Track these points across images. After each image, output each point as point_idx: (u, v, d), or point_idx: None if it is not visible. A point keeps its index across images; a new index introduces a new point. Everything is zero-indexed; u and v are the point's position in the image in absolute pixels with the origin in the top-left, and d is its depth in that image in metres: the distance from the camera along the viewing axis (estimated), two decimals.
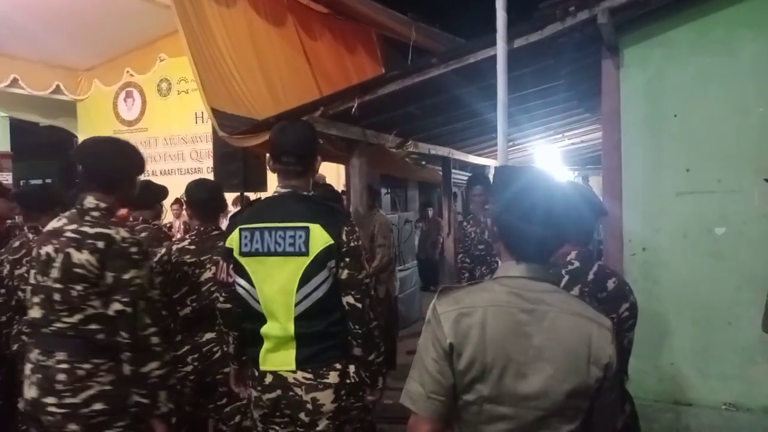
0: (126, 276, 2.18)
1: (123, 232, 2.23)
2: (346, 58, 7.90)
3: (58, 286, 2.15)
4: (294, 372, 2.30)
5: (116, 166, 2.32)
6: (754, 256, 3.49)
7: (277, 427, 2.37)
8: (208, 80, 5.16)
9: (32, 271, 2.26)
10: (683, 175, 3.74)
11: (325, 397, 2.30)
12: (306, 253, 2.26)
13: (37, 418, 2.16)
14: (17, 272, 3.18)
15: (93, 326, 2.16)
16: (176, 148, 9.47)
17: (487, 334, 1.40)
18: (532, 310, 1.43)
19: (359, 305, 2.31)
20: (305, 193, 2.40)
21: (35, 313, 2.21)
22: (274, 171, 2.42)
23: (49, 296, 2.16)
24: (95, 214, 2.25)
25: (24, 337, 2.68)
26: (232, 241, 2.34)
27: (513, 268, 1.49)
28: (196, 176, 8.32)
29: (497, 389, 1.40)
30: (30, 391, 2.16)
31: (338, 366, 2.32)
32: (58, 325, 2.16)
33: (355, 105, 4.42)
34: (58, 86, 9.08)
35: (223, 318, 2.47)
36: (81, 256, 2.15)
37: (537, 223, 1.45)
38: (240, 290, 2.35)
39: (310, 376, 2.30)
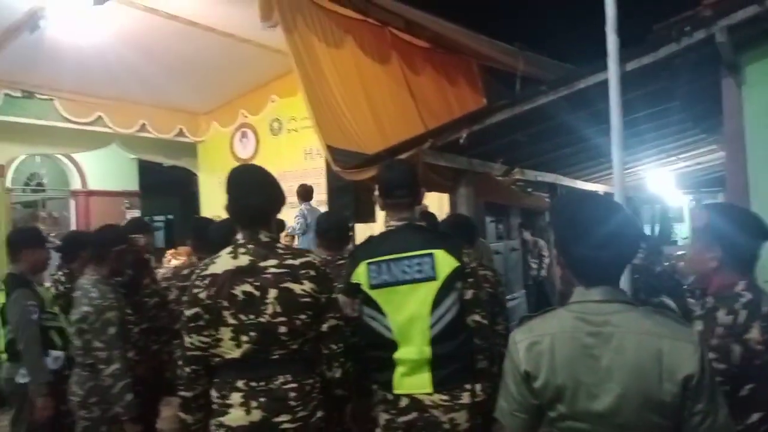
0: (334, 295, 2.40)
1: (315, 257, 2.44)
2: (448, 90, 8.06)
3: (281, 319, 2.24)
4: (431, 394, 2.40)
5: (278, 199, 2.42)
6: None
7: None
8: (322, 118, 5.46)
9: (225, 312, 2.24)
10: None
11: (461, 417, 2.41)
12: (435, 278, 2.41)
13: None
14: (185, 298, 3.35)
15: (308, 346, 2.34)
16: (287, 183, 9.80)
17: (556, 359, 1.50)
18: (597, 333, 1.48)
19: (485, 321, 2.49)
20: (418, 223, 2.56)
21: (244, 349, 2.25)
22: (383, 208, 2.57)
23: (269, 330, 2.24)
24: (280, 245, 2.38)
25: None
26: (359, 276, 2.47)
27: (582, 294, 1.55)
28: None
29: (572, 409, 1.48)
30: (251, 416, 2.23)
31: (468, 387, 2.44)
32: (281, 352, 2.26)
33: (464, 135, 4.51)
34: (181, 129, 9.84)
35: (347, 350, 2.52)
36: (302, 287, 2.28)
37: (597, 247, 1.49)
38: (369, 321, 2.47)
39: (446, 397, 2.41)
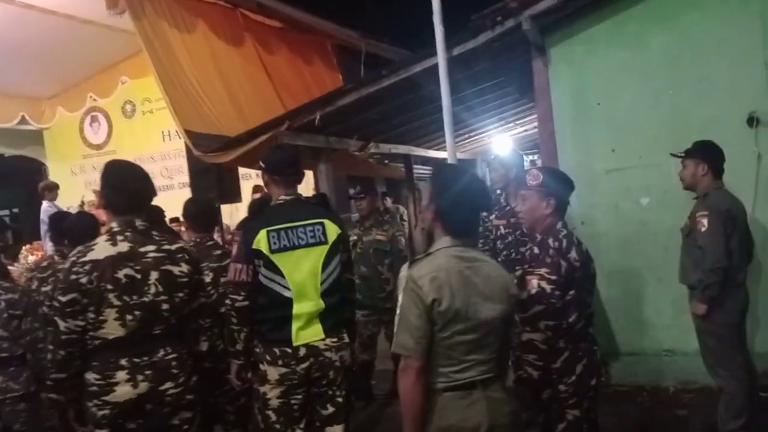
0: (201, 276, 2.81)
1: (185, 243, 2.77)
2: (304, 69, 8.31)
3: (163, 297, 2.53)
4: (324, 339, 2.83)
5: (152, 188, 2.66)
6: (675, 220, 4.01)
7: (299, 397, 2.80)
8: (178, 104, 5.52)
9: (110, 295, 2.45)
10: (610, 155, 4.29)
11: (346, 354, 2.91)
12: (326, 242, 2.86)
13: None
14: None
15: (182, 321, 2.64)
16: (146, 167, 9.60)
17: (453, 287, 1.96)
18: (471, 266, 2.03)
19: (354, 279, 3.16)
20: (305, 197, 2.99)
21: (129, 327, 2.48)
22: (270, 184, 2.93)
23: (152, 308, 2.51)
24: (155, 232, 2.62)
25: None
26: (260, 242, 2.75)
27: (451, 241, 2.05)
28: (169, 193, 8.69)
29: (466, 324, 1.96)
30: (138, 389, 2.46)
31: (344, 330, 2.96)
32: (161, 327, 2.55)
33: (317, 117, 4.85)
34: (23, 116, 9.26)
35: (238, 316, 2.81)
36: (180, 269, 2.58)
37: (470, 212, 2.12)
38: (267, 282, 2.78)
39: (335, 339, 2.87)
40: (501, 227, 3.98)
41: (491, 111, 7.35)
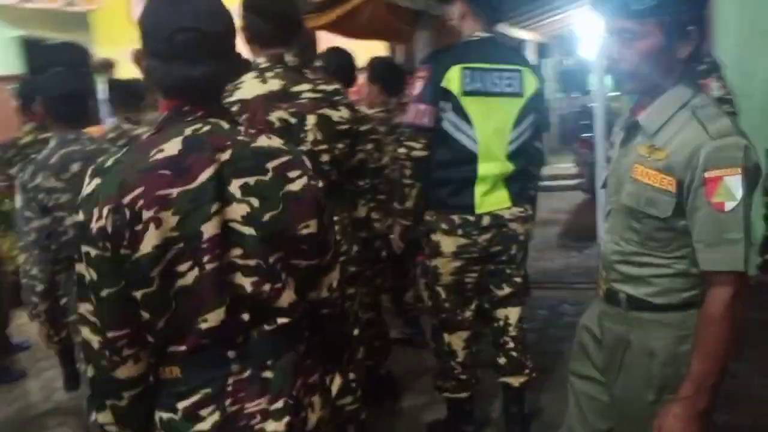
0: (363, 127, 2.45)
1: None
2: None
3: (322, 147, 2.16)
4: (509, 208, 2.47)
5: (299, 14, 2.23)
6: None
7: (474, 274, 2.40)
8: None
9: None
10: None
11: (531, 227, 2.58)
12: (521, 95, 2.43)
13: None
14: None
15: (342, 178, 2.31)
16: None
17: None
18: None
19: (542, 150, 2.67)
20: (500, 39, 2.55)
21: None
22: (465, 15, 2.43)
23: (311, 159, 2.19)
24: (306, 70, 2.25)
25: None
26: (451, 80, 2.30)
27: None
28: None
29: None
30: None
31: (527, 204, 2.59)
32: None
33: None
34: None
35: (414, 167, 2.41)
36: (339, 114, 2.18)
37: None
38: (453, 131, 2.34)
39: (521, 209, 2.51)
40: None
41: None
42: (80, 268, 1.14)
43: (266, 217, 1.18)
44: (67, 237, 2.33)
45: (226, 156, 1.17)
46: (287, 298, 1.23)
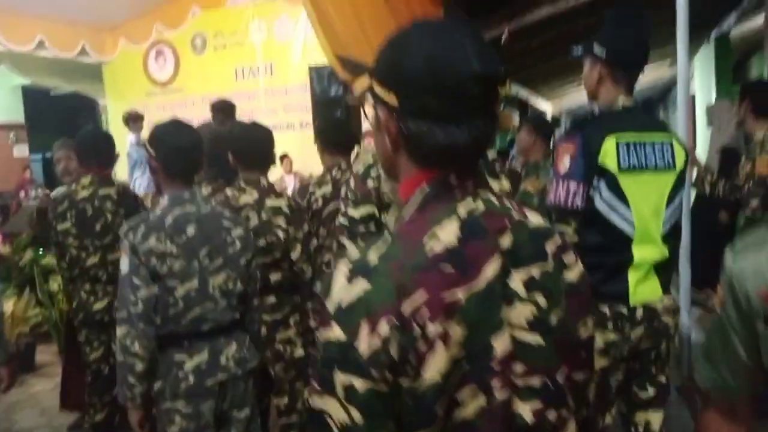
0: None
1: None
2: None
3: None
4: (661, 300, 2.14)
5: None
6: None
7: (619, 374, 2.14)
8: (326, 27, 4.76)
9: None
10: None
11: (679, 318, 2.29)
12: (674, 168, 2.14)
13: None
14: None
15: None
16: None
17: None
18: None
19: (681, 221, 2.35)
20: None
21: None
22: (604, 78, 2.16)
23: None
24: None
25: None
26: (606, 155, 2.02)
27: None
28: None
29: None
30: None
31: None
32: None
33: (505, 32, 4.08)
34: (83, 47, 8.35)
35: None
36: None
37: None
38: (608, 213, 2.06)
39: (671, 299, 2.20)
40: None
41: None
42: (321, 403, 0.83)
43: (553, 319, 0.92)
44: (176, 310, 2.04)
45: (507, 242, 0.90)
46: (571, 430, 0.94)
